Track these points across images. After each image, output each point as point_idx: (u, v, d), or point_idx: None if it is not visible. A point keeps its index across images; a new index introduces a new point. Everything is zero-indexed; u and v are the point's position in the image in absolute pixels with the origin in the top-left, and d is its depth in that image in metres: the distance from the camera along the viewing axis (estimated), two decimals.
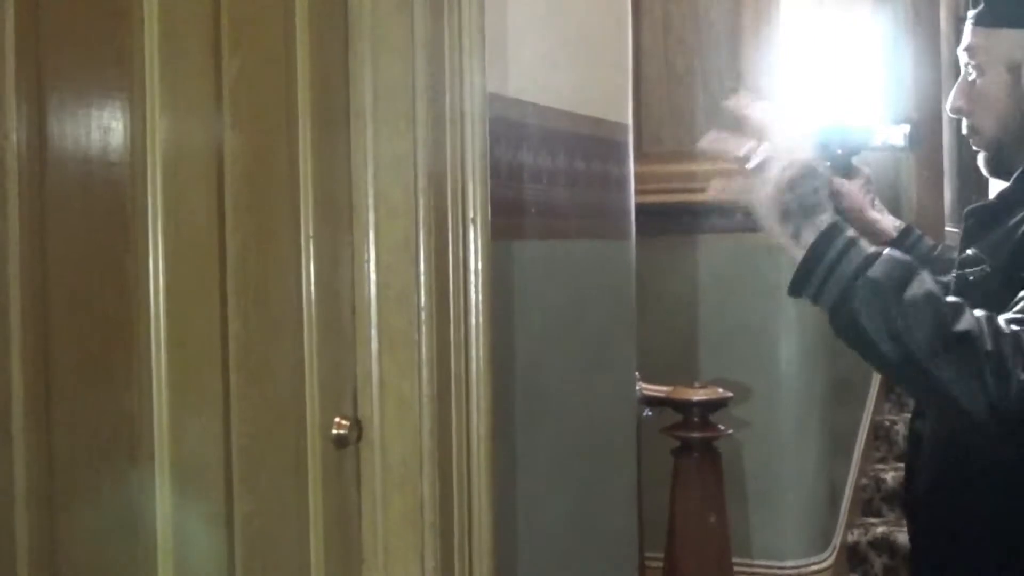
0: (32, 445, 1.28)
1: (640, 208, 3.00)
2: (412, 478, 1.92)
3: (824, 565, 4.95)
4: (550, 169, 2.47)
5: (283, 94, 1.77)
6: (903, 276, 1.56)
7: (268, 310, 1.73)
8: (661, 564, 4.08)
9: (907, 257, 1.61)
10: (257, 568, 1.68)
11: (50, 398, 1.33)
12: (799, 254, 1.61)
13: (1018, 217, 1.80)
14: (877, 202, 2.49)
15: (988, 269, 1.83)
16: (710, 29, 4.73)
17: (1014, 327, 1.56)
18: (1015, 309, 1.63)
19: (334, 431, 1.86)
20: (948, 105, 2.07)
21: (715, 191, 1.70)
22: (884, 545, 5.19)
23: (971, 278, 1.87)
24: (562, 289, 2.53)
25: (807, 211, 1.60)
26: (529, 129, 2.38)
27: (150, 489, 1.49)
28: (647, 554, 3.73)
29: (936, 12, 6.72)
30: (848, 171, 2.49)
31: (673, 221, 4.50)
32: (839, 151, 2.48)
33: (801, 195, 1.61)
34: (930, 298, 1.55)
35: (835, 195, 2.48)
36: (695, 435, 3.93)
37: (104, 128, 1.42)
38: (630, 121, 2.89)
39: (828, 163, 2.47)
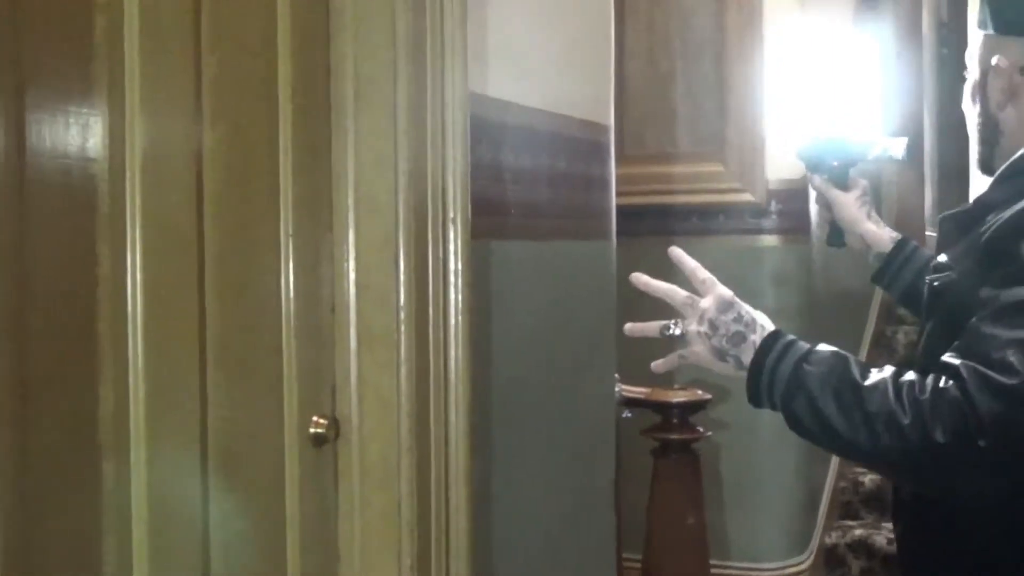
0: (7, 442, 1.27)
1: (621, 209, 3.00)
2: (390, 477, 1.92)
3: (802, 567, 4.96)
4: (531, 169, 2.47)
5: (264, 91, 1.77)
6: (827, 372, 1.70)
7: (247, 308, 1.72)
8: (639, 565, 4.09)
9: (832, 350, 1.74)
10: (233, 566, 1.67)
11: (27, 395, 1.33)
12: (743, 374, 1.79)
13: (987, 224, 1.81)
14: (874, 214, 2.51)
15: (954, 276, 1.85)
16: (694, 32, 4.73)
17: (943, 380, 1.62)
18: (951, 351, 1.68)
19: (312, 430, 1.86)
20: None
21: (659, 369, 1.92)
22: (862, 547, 5.20)
23: (936, 284, 1.89)
24: (542, 289, 2.53)
25: (736, 341, 1.79)
26: (510, 129, 2.38)
27: (126, 487, 1.48)
28: (625, 555, 3.73)
29: (919, 19, 6.75)
30: (844, 183, 2.50)
31: (654, 223, 4.51)
32: (835, 163, 2.50)
33: (725, 333, 1.79)
34: (850, 386, 1.68)
35: (831, 206, 2.51)
36: (674, 437, 3.94)
37: (83, 125, 1.42)
38: (612, 123, 2.89)
39: (824, 175, 2.50)
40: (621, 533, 3.38)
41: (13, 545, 1.29)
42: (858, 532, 5.32)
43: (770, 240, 4.63)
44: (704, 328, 1.81)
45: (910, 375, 1.66)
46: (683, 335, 1.83)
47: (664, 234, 4.59)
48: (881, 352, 6.08)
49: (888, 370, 1.69)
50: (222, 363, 1.64)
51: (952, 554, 1.91)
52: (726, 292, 1.82)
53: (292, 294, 1.80)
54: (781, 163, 4.60)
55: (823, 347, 1.76)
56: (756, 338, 1.79)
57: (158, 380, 1.51)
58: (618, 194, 2.99)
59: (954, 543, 1.92)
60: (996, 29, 1.94)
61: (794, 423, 1.74)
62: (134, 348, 1.49)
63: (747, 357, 1.78)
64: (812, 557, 5.07)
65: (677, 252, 1.88)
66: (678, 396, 3.92)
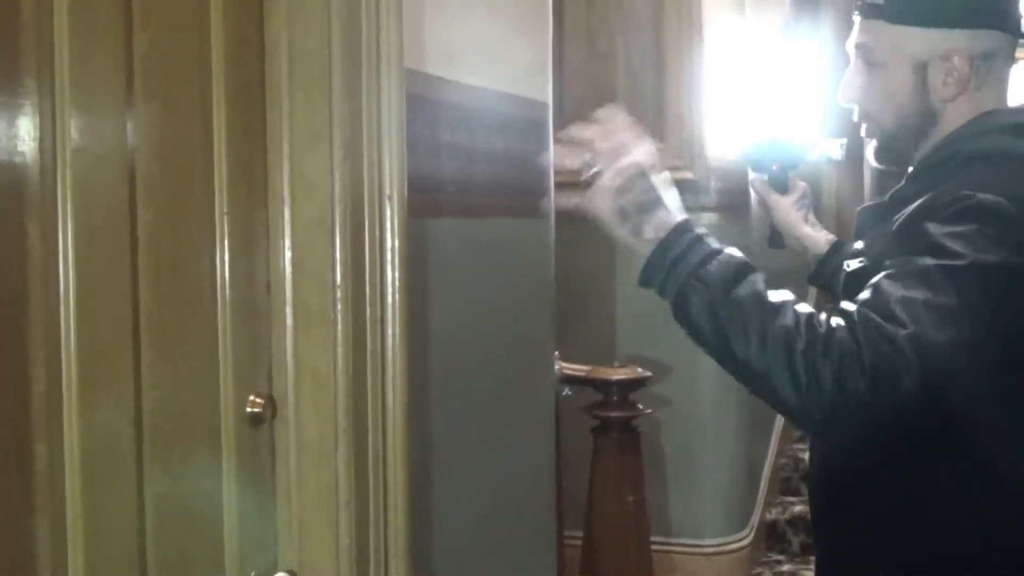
0: None
1: (558, 187, 3.00)
2: (327, 456, 1.91)
3: (743, 543, 5.01)
4: (468, 147, 2.47)
5: (196, 68, 1.75)
6: (734, 275, 1.70)
7: (181, 287, 1.70)
8: (580, 543, 4.11)
9: (743, 258, 1.74)
10: (170, 548, 1.66)
11: None
12: (644, 248, 1.77)
13: (898, 216, 1.85)
14: (811, 216, 2.56)
15: (864, 262, 1.90)
16: (632, 9, 4.74)
17: (837, 321, 1.66)
18: (859, 298, 1.71)
19: (248, 409, 1.84)
20: (840, 96, 2.11)
21: (562, 204, 1.96)
22: (802, 523, 5.27)
23: (849, 268, 1.95)
24: (480, 267, 2.52)
25: (643, 209, 1.78)
26: (447, 106, 2.38)
27: (59, 468, 1.46)
28: (566, 532, 3.75)
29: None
30: (784, 186, 2.54)
31: None
32: (775, 167, 2.53)
33: (635, 197, 1.77)
34: (754, 297, 1.68)
35: (768, 209, 2.55)
36: (614, 414, 3.96)
37: (11, 101, 1.39)
38: (551, 100, 2.89)
39: (765, 177, 2.53)
40: (562, 511, 3.40)
41: None
42: (798, 508, 5.38)
43: (710, 217, 4.65)
44: (616, 184, 1.79)
45: (806, 306, 1.69)
46: (595, 177, 1.80)
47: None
48: None
49: (788, 294, 1.72)
50: (156, 342, 1.62)
51: (849, 521, 1.98)
52: (647, 159, 1.81)
53: (227, 272, 1.78)
54: (721, 140, 4.63)
55: (734, 251, 1.76)
56: (664, 216, 1.78)
57: (91, 360, 1.49)
58: (557, 172, 2.99)
59: (849, 508, 1.98)
60: (947, 23, 1.94)
61: (683, 316, 1.74)
62: (66, 327, 1.46)
63: (650, 232, 1.77)
64: (753, 533, 5.12)
65: (609, 115, 1.86)
66: (618, 374, 3.94)
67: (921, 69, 1.96)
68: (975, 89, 1.95)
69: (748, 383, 1.72)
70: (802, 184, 2.55)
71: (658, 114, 4.66)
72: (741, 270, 1.72)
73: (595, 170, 1.80)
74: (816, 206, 2.66)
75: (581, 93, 4.69)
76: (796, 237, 2.53)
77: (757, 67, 4.48)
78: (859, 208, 2.09)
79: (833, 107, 2.28)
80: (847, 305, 1.70)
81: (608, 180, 1.79)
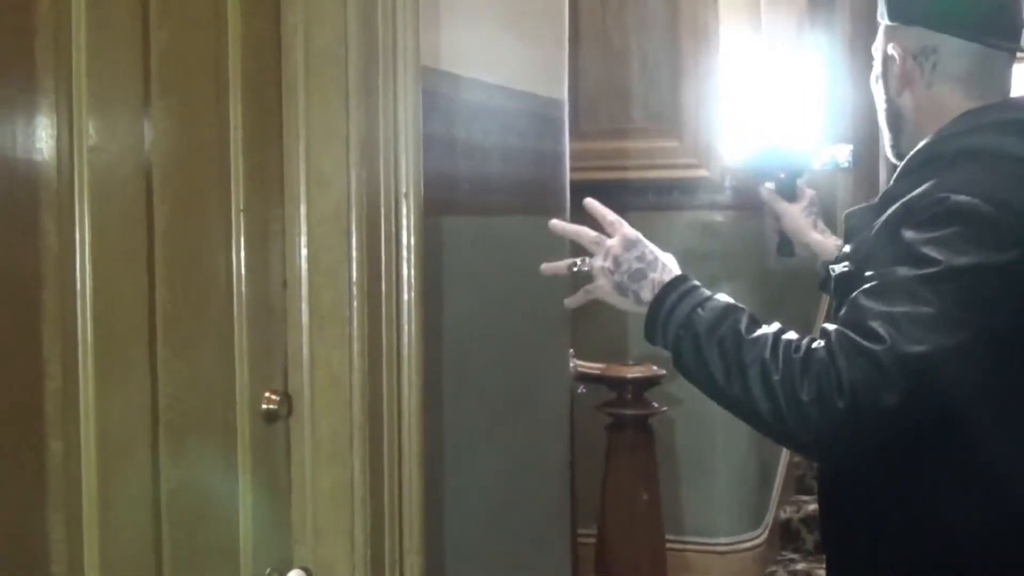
0: None
1: (575, 185, 3.00)
2: (342, 453, 1.91)
3: (756, 542, 5.00)
4: (484, 144, 2.47)
5: (213, 66, 1.75)
6: (715, 320, 1.79)
7: (197, 284, 1.71)
8: (594, 541, 4.10)
9: (726, 302, 1.84)
10: (184, 544, 1.66)
11: None
12: (644, 311, 1.91)
13: (881, 219, 1.87)
14: (820, 223, 2.58)
15: (850, 266, 1.93)
16: (647, 6, 4.73)
17: (817, 343, 1.71)
18: (840, 319, 1.77)
19: (264, 406, 1.84)
20: None
21: (571, 304, 2.12)
22: (816, 522, 5.24)
23: (835, 272, 1.98)
24: (495, 265, 2.52)
25: (637, 277, 1.91)
26: (463, 103, 2.37)
27: (75, 464, 1.46)
28: (580, 530, 3.75)
29: (873, 18, 6.74)
30: (792, 193, 2.56)
31: (608, 198, 4.50)
32: (782, 174, 2.54)
33: (626, 269, 1.92)
34: (734, 336, 1.77)
35: (777, 217, 2.56)
36: (628, 412, 3.96)
37: (27, 102, 1.40)
38: (566, 97, 2.89)
39: (772, 185, 2.55)
40: (576, 508, 3.39)
41: None
42: (812, 507, 5.36)
43: (725, 216, 4.64)
44: (608, 264, 1.94)
45: (791, 334, 1.75)
46: (589, 271, 1.96)
47: (619, 210, 4.60)
48: None
49: (774, 327, 1.78)
50: (172, 339, 1.62)
51: (850, 525, 1.99)
52: (632, 233, 1.96)
53: (243, 270, 1.78)
54: (736, 139, 4.61)
55: (722, 297, 1.85)
56: (657, 276, 1.90)
57: (107, 356, 1.49)
58: (572, 170, 2.99)
59: (849, 512, 2.00)
60: (890, 18, 2.02)
61: (680, 365, 1.85)
62: (82, 324, 1.47)
63: (646, 294, 1.90)
64: (767, 532, 5.11)
65: (590, 202, 2.04)
66: (632, 372, 3.94)
67: (883, 65, 2.03)
68: (927, 85, 1.97)
69: (743, 419, 1.80)
70: (810, 191, 2.57)
71: (673, 112, 4.65)
72: (722, 314, 1.80)
73: (584, 266, 1.97)
74: (829, 213, 2.67)
75: (596, 91, 4.69)
76: (805, 244, 2.54)
77: (766, 72, 4.47)
78: (848, 211, 2.10)
79: (842, 113, 2.32)
80: (827, 325, 1.74)
81: (599, 263, 1.94)
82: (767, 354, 1.71)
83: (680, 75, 4.65)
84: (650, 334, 1.91)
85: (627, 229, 1.96)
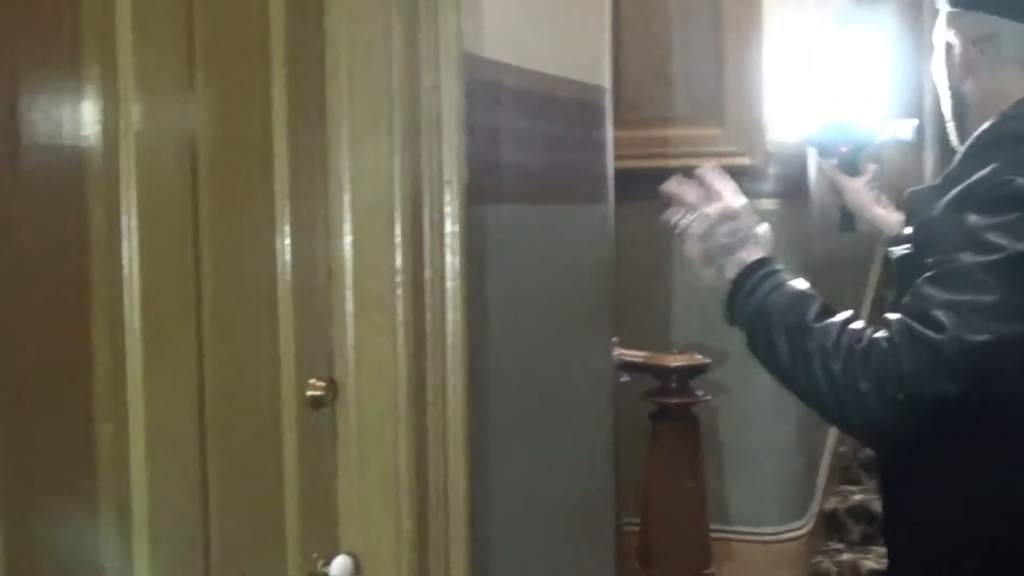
0: (2, 404, 1.27)
1: (618, 173, 2.99)
2: (388, 440, 1.92)
3: (801, 532, 4.97)
4: (527, 132, 2.46)
5: (257, 53, 1.76)
6: (788, 306, 1.79)
7: (242, 269, 1.72)
8: (637, 529, 4.10)
9: (800, 289, 1.82)
10: (232, 528, 1.67)
11: (24, 354, 1.32)
12: (726, 288, 1.89)
13: (943, 201, 1.84)
14: (883, 198, 2.54)
15: (911, 249, 1.90)
16: None
17: (879, 333, 1.70)
18: (902, 307, 1.75)
19: (309, 392, 1.85)
20: None
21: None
22: (862, 513, 5.21)
23: (893, 256, 1.96)
24: (539, 253, 2.52)
25: (726, 251, 1.88)
26: (506, 91, 2.37)
27: (124, 449, 1.48)
28: (624, 520, 3.74)
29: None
30: (855, 168, 2.53)
31: (651, 187, 4.49)
32: (844, 149, 2.52)
33: (718, 241, 1.88)
34: (800, 324, 1.76)
35: (839, 193, 2.53)
36: (672, 401, 3.94)
37: (73, 88, 1.41)
38: (609, 85, 2.88)
39: (834, 161, 2.52)
40: (619, 497, 3.39)
41: (7, 502, 1.28)
42: (858, 497, 5.33)
43: (769, 204, 4.61)
44: (702, 231, 1.89)
45: (858, 324, 1.73)
46: (683, 230, 1.93)
47: (660, 198, 4.58)
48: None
49: (843, 316, 1.76)
50: (218, 324, 1.64)
51: (914, 517, 1.97)
52: (733, 205, 1.91)
53: (288, 256, 1.79)
54: (780, 126, 4.59)
55: (798, 283, 1.83)
56: (744, 256, 1.87)
57: (154, 341, 1.50)
58: (616, 158, 2.98)
59: (915, 506, 1.97)
60: (951, 4, 2.00)
61: (753, 348, 1.84)
62: (130, 309, 1.48)
63: (730, 272, 1.88)
64: (812, 522, 5.08)
65: (703, 170, 1.96)
66: (677, 360, 3.93)
67: (945, 52, 2.01)
68: (989, 71, 1.96)
69: (810, 406, 1.78)
70: (872, 166, 2.54)
71: (715, 99, 4.62)
72: (795, 301, 1.79)
73: (684, 220, 1.92)
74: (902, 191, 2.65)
75: (639, 77, 4.66)
76: (868, 220, 2.52)
77: (820, 48, 4.42)
78: (909, 191, 2.08)
79: (902, 88, 2.29)
80: (890, 315, 1.73)
81: (694, 228, 1.90)
82: (830, 344, 1.70)
83: (723, 61, 4.62)
84: (728, 314, 1.89)
85: (730, 199, 1.92)
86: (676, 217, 1.94)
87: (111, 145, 1.45)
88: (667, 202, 1.98)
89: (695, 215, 1.91)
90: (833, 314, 1.77)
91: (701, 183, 1.94)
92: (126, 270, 1.48)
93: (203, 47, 1.62)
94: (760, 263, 1.87)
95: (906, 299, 1.75)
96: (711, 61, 4.66)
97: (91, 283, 1.43)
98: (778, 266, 1.88)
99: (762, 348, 1.81)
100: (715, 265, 1.90)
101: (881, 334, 1.69)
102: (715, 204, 1.91)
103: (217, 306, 1.64)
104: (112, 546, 1.46)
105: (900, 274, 1.91)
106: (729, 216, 1.90)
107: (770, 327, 1.78)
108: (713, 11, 4.64)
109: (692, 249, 1.92)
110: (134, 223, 1.48)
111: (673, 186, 1.97)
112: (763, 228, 1.93)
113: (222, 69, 1.66)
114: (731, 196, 1.92)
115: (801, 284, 1.84)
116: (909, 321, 1.67)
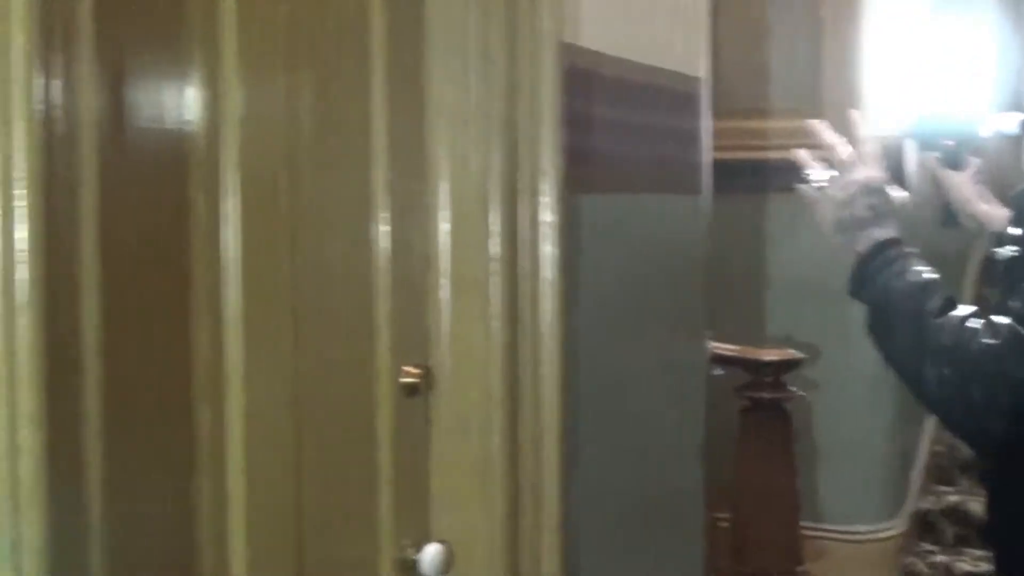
0: (103, 381, 1.28)
1: (717, 165, 2.97)
2: (481, 428, 1.92)
3: (893, 532, 4.91)
4: (623, 121, 2.45)
5: (357, 43, 1.76)
6: (909, 295, 1.76)
7: (340, 257, 1.73)
8: (726, 524, 4.07)
9: (926, 279, 1.79)
10: (325, 513, 1.69)
11: (126, 337, 1.33)
12: (853, 260, 1.86)
13: None
14: (987, 193, 2.49)
15: (1017, 253, 1.85)
16: None
17: (988, 339, 1.67)
18: (1011, 311, 1.71)
19: (403, 379, 1.86)
20: None
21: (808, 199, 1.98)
22: (957, 514, 5.13)
23: (997, 257, 1.91)
24: (633, 243, 2.51)
25: (860, 224, 1.84)
26: (602, 80, 2.36)
27: (220, 431, 1.49)
28: (714, 514, 3.72)
29: None
30: (959, 162, 2.49)
31: (745, 178, 4.45)
32: (948, 143, 2.47)
33: (854, 211, 1.84)
34: (918, 319, 1.73)
35: (942, 187, 2.49)
36: (765, 396, 3.92)
37: (177, 74, 1.42)
38: (706, 74, 2.85)
39: (938, 154, 2.48)
40: (709, 491, 3.36)
41: (107, 481, 1.30)
42: (953, 498, 5.25)
43: None
44: (843, 197, 1.85)
45: (975, 323, 1.70)
46: (826, 186, 1.89)
47: (758, 191, 4.54)
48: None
49: (964, 311, 1.73)
50: (315, 311, 1.65)
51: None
52: (878, 177, 1.88)
53: (385, 243, 1.80)
54: (878, 115, 4.52)
55: (925, 272, 1.80)
56: (877, 233, 1.84)
57: (253, 326, 1.51)
58: (714, 148, 2.95)
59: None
60: None
61: (871, 329, 1.81)
62: (229, 295, 1.49)
63: (860, 246, 1.84)
64: (906, 522, 5.02)
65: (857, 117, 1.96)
66: (771, 355, 3.90)
67: None
68: None
69: (917, 400, 1.77)
70: (976, 160, 2.49)
71: (812, 88, 4.57)
72: (918, 290, 1.76)
73: (822, 181, 1.90)
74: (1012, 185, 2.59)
75: (735, 67, 4.62)
76: (972, 214, 2.48)
77: (921, 38, 4.34)
78: (1017, 191, 2.02)
79: (1005, 80, 2.23)
80: (997, 318, 1.69)
81: (834, 192, 1.87)
82: (945, 340, 1.68)
83: (820, 49, 4.57)
84: (853, 289, 1.86)
85: (875, 171, 1.88)
86: (819, 176, 1.91)
87: (213, 131, 1.46)
88: (811, 146, 1.95)
89: (838, 178, 1.87)
90: (955, 306, 1.74)
91: (852, 144, 1.91)
92: (226, 256, 1.49)
93: (304, 35, 1.62)
94: (891, 243, 1.84)
95: (1014, 302, 1.71)
96: (809, 51, 4.61)
97: (192, 268, 1.45)
98: (908, 249, 1.85)
99: (879, 331, 1.79)
100: (847, 235, 1.86)
101: (990, 340, 1.66)
102: (861, 171, 1.87)
103: (314, 293, 1.65)
104: (208, 527, 1.47)
105: (1008, 276, 1.87)
106: (874, 188, 1.86)
107: (889, 312, 1.76)
108: (813, 4, 4.59)
109: (826, 212, 1.88)
110: (235, 209, 1.48)
111: (828, 134, 1.93)
112: (902, 197, 1.90)
113: (323, 57, 1.67)
114: (877, 166, 1.89)
115: (928, 273, 1.81)
116: (1017, 326, 1.65)
